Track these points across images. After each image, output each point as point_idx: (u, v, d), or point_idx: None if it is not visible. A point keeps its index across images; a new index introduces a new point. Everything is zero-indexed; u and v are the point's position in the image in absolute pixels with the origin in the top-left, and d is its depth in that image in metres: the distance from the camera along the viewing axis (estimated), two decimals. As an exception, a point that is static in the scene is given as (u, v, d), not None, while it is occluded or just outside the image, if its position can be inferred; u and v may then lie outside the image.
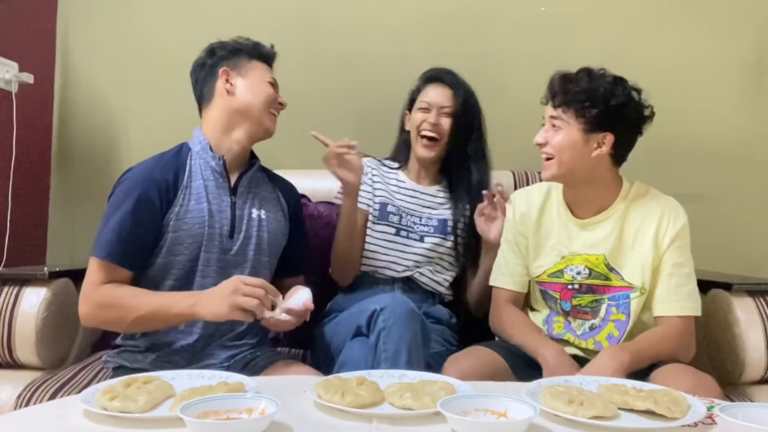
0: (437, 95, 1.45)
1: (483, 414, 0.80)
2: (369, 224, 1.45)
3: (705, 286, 1.42)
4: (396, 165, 1.54)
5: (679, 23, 1.91)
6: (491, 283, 1.35)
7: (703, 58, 1.90)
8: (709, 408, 0.85)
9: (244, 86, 1.25)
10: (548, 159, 1.21)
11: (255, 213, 1.26)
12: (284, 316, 1.09)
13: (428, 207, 1.48)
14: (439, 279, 1.46)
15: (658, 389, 0.91)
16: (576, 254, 1.25)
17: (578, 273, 1.24)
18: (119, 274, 1.15)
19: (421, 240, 1.44)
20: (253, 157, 1.32)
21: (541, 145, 1.22)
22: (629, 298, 1.22)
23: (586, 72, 1.20)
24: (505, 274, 1.33)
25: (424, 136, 1.44)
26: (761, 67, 1.91)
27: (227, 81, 1.25)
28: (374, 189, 1.48)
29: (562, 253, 1.26)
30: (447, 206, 1.48)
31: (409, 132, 1.50)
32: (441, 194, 1.50)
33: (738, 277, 1.44)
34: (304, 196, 1.58)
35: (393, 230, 1.45)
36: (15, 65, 1.74)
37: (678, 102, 1.89)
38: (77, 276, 1.47)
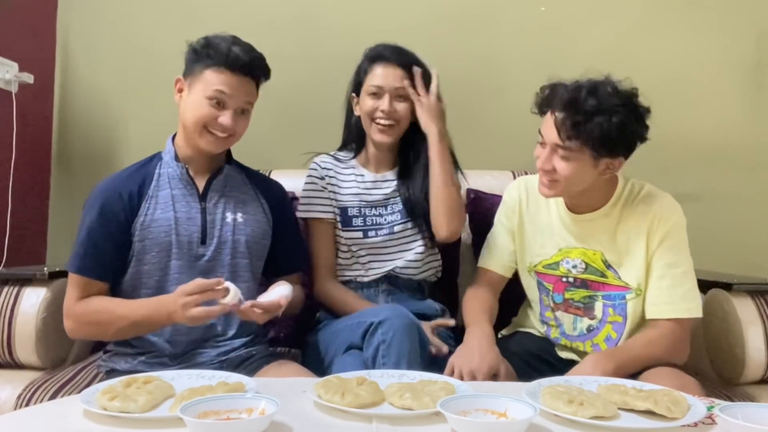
0: (388, 77, 1.33)
1: (483, 414, 0.80)
2: (338, 232, 1.41)
3: (705, 286, 1.41)
4: (350, 156, 1.46)
5: (680, 24, 1.90)
6: (478, 263, 1.36)
7: (703, 58, 1.90)
8: (709, 408, 0.85)
9: (186, 101, 1.21)
10: (553, 181, 1.17)
11: (230, 217, 1.24)
12: (254, 309, 1.10)
13: (393, 191, 1.41)
14: (419, 264, 1.41)
15: (658, 389, 0.91)
16: (573, 247, 1.24)
17: (574, 266, 1.24)
18: (94, 286, 1.19)
19: (392, 231, 1.39)
20: (227, 160, 1.29)
21: (545, 171, 1.16)
22: (625, 299, 1.21)
23: (593, 96, 1.10)
24: (493, 256, 1.34)
25: (379, 123, 1.35)
26: (761, 68, 1.90)
27: (179, 91, 1.23)
28: (334, 194, 1.41)
29: (559, 245, 1.26)
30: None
31: (359, 117, 1.40)
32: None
33: (738, 277, 1.43)
34: (294, 198, 1.51)
35: (360, 233, 1.39)
36: (15, 65, 1.74)
37: (678, 102, 1.89)
38: None
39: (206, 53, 1.19)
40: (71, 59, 1.95)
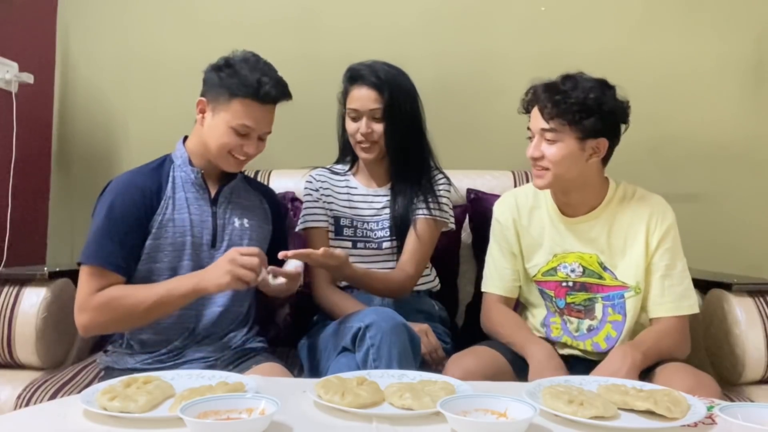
0: (362, 99, 1.36)
1: (483, 414, 0.80)
2: (330, 240, 1.42)
3: (705, 286, 1.42)
4: (346, 168, 1.50)
5: (680, 24, 1.90)
6: (482, 288, 1.34)
7: (703, 58, 1.90)
8: (709, 408, 0.85)
9: (209, 126, 1.22)
10: (543, 169, 1.20)
11: (237, 222, 1.27)
12: (279, 280, 1.15)
13: (384, 207, 1.44)
14: None
15: (658, 389, 0.91)
16: (569, 252, 1.26)
17: (572, 271, 1.25)
18: (111, 279, 1.16)
19: (380, 247, 1.42)
20: None
21: (535, 159, 1.21)
22: (624, 297, 1.23)
23: (571, 80, 1.18)
24: (495, 278, 1.32)
25: (360, 144, 1.39)
26: (761, 67, 1.90)
27: (200, 112, 1.24)
28: (327, 204, 1.44)
29: (554, 251, 1.27)
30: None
31: None
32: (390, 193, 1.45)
33: (738, 277, 1.43)
34: (295, 198, 1.57)
35: (350, 243, 1.42)
36: (15, 65, 1.74)
37: (678, 102, 1.90)
38: (77, 276, 1.46)
39: (234, 83, 1.19)
40: (71, 59, 1.95)
